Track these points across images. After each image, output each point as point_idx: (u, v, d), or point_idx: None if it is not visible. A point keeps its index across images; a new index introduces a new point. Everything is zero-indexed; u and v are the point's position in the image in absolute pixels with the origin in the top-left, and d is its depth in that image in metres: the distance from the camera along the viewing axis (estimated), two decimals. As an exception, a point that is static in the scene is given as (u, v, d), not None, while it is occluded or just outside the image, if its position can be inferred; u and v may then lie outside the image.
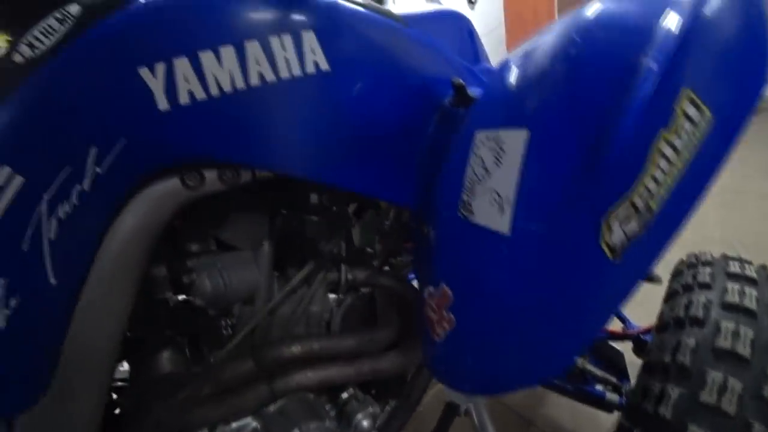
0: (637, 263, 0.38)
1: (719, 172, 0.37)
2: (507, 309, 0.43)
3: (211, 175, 0.48)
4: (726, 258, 0.72)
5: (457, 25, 0.77)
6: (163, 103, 0.43)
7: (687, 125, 0.35)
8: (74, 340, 0.47)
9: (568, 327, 0.42)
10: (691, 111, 0.35)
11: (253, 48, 0.46)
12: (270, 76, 0.46)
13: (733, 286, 0.61)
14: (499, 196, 0.41)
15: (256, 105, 0.47)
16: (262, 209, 0.61)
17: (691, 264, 0.74)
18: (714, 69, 0.36)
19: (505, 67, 0.50)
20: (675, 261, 0.81)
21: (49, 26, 0.45)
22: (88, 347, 0.48)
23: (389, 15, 0.59)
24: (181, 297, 0.59)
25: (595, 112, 0.35)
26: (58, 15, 0.45)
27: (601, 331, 0.93)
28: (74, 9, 0.45)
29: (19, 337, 0.45)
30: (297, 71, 0.48)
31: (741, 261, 0.69)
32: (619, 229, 0.35)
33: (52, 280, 0.44)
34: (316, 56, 0.48)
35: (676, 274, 0.75)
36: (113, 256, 0.47)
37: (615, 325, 1.00)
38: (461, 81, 0.57)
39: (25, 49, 0.45)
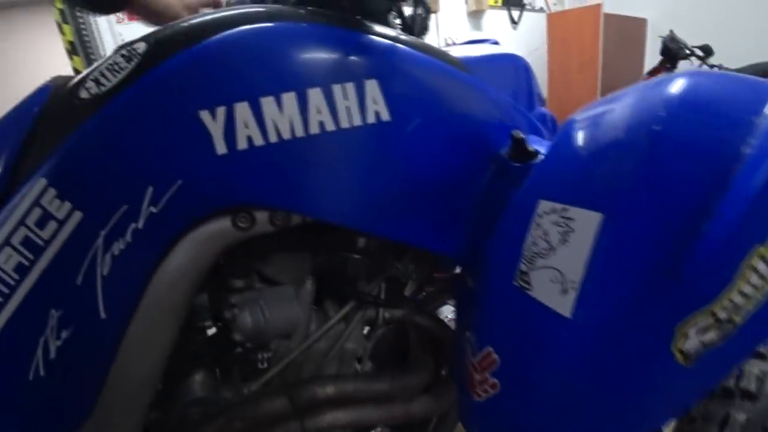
0: (711, 370, 0.35)
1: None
2: (559, 391, 0.41)
3: (262, 217, 0.48)
4: None
5: (514, 68, 0.74)
6: (221, 147, 0.43)
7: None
8: (119, 369, 0.47)
9: (624, 421, 0.39)
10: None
11: (315, 96, 0.45)
12: (330, 126, 0.46)
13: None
14: (562, 275, 0.39)
15: (313, 154, 0.46)
16: (305, 247, 0.60)
17: None
18: None
19: (571, 128, 0.48)
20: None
21: (116, 63, 0.46)
22: (131, 377, 0.49)
23: (449, 60, 0.58)
24: (219, 327, 0.60)
25: (683, 207, 0.33)
26: (125, 52, 0.46)
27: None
28: (141, 47, 0.46)
29: (68, 367, 0.45)
30: (357, 121, 0.47)
31: None
32: (695, 338, 0.32)
33: (103, 315, 0.45)
34: (377, 106, 0.47)
35: None
36: (161, 292, 0.47)
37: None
38: (521, 134, 0.55)
39: (91, 84, 0.45)
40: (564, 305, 0.39)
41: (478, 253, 0.56)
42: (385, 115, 0.47)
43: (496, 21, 4.70)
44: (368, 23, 0.54)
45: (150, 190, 0.43)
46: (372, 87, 0.47)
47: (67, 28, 2.87)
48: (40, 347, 0.44)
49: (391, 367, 0.80)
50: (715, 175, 0.32)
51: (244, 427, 0.57)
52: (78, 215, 0.43)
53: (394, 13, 0.65)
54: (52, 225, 0.43)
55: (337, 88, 0.46)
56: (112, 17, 2.93)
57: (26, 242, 0.42)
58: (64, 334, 0.44)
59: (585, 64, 4.62)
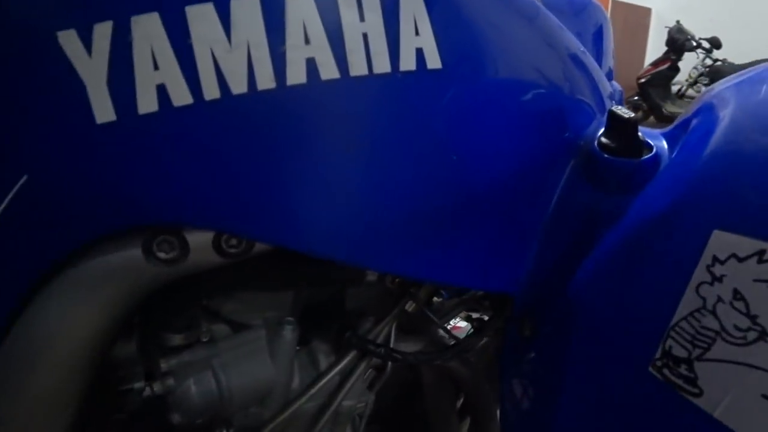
0: None
1: None
2: None
3: (199, 242, 0.27)
4: None
5: (594, 21, 0.53)
6: (103, 110, 0.21)
7: None
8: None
9: None
10: None
11: (302, 9, 0.23)
12: (329, 70, 0.24)
13: None
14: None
15: (290, 126, 0.24)
16: (283, 274, 0.39)
17: None
18: None
19: (734, 116, 0.28)
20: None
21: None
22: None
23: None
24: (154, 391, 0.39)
25: None
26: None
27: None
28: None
29: None
30: (383, 64, 0.25)
31: None
32: None
33: None
34: (421, 38, 0.26)
35: None
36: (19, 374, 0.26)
37: None
38: (627, 112, 0.35)
39: None
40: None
41: (547, 291, 0.36)
42: (434, 59, 0.26)
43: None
44: None
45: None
46: (416, 4, 0.25)
47: None
48: None
49: (398, 418, 0.61)
50: None
51: None
52: None
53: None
54: None
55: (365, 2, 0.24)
56: None
57: None
58: None
59: (591, 51, 4.44)
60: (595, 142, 0.37)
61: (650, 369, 0.25)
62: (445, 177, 0.29)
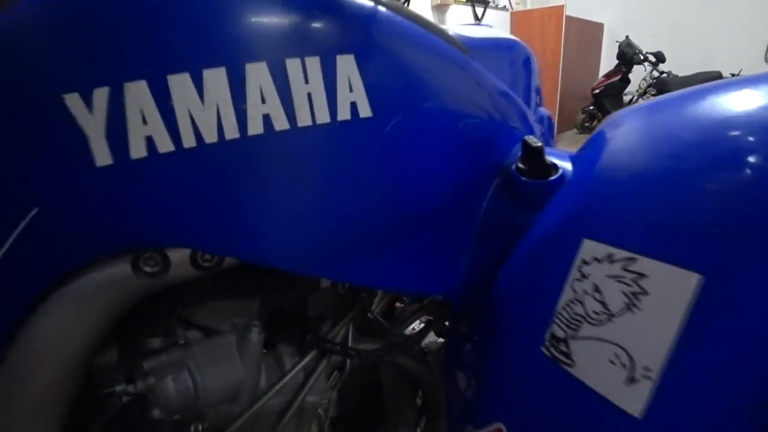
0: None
1: None
2: None
3: (178, 258, 0.32)
4: None
5: (516, 57, 0.61)
6: (102, 155, 0.26)
7: None
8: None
9: None
10: None
11: (258, 74, 0.29)
12: (280, 122, 0.30)
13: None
14: (630, 358, 0.27)
15: (253, 165, 0.30)
16: (250, 285, 0.45)
17: None
18: None
19: (624, 137, 0.35)
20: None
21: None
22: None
23: (448, 38, 0.44)
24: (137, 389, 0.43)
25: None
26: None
27: None
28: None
29: None
30: (323, 116, 0.32)
31: None
32: None
33: None
34: (354, 94, 0.32)
35: None
36: (26, 367, 0.30)
37: None
38: (537, 140, 0.42)
39: None
40: (630, 400, 0.26)
41: (477, 293, 0.43)
42: (365, 109, 0.33)
43: (460, 16, 4.62)
44: None
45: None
46: (346, 64, 0.32)
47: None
48: None
49: (361, 417, 0.66)
50: None
51: None
52: None
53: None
54: None
55: (292, 64, 0.30)
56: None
57: None
58: None
59: (547, 65, 4.65)
60: (513, 166, 0.44)
61: (542, 348, 0.33)
62: (383, 201, 0.35)
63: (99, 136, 0.26)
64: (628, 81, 5.24)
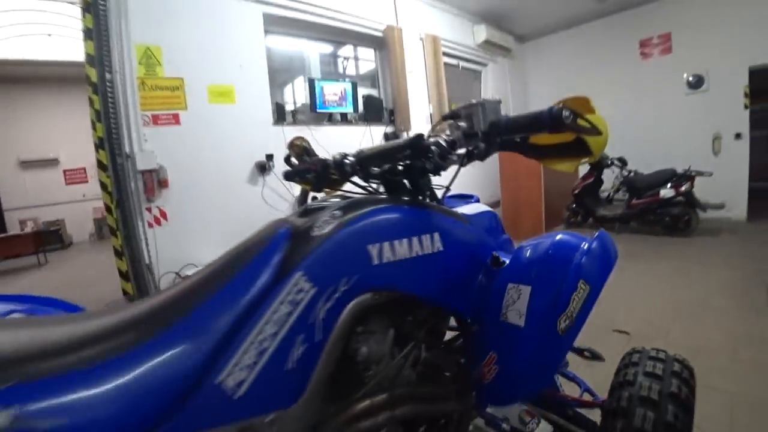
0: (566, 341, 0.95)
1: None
2: (525, 356, 0.99)
3: (385, 293, 1.05)
4: (654, 350, 1.30)
5: (490, 217, 1.43)
6: (375, 260, 1.02)
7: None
8: (320, 364, 1.00)
9: (551, 359, 0.97)
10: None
11: (413, 239, 1.06)
12: (420, 251, 1.06)
13: (651, 364, 1.19)
14: (519, 312, 0.99)
15: (414, 264, 1.06)
16: (391, 312, 1.17)
17: (632, 353, 1.33)
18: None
19: (520, 250, 1.12)
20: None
21: (327, 221, 1.06)
22: (325, 368, 1.01)
23: (461, 218, 1.22)
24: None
25: (557, 283, 0.95)
26: (328, 217, 1.06)
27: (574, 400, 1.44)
28: (338, 214, 1.07)
29: (301, 362, 0.98)
30: (430, 249, 1.08)
31: (658, 351, 1.28)
32: (563, 323, 0.93)
33: (319, 336, 0.99)
34: (438, 243, 1.09)
35: (624, 357, 1.33)
36: (340, 328, 1.02)
37: (586, 396, 1.50)
38: (497, 253, 1.19)
39: (316, 230, 1.04)
40: (521, 322, 0.98)
41: (478, 310, 1.16)
42: (439, 246, 1.09)
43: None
44: (428, 203, 1.18)
45: (344, 279, 1.01)
46: (436, 235, 1.09)
47: (99, 126, 3.40)
48: (292, 353, 0.97)
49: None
50: (564, 271, 0.96)
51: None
52: (314, 290, 1.00)
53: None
54: (302, 294, 0.99)
55: (424, 237, 1.07)
56: (139, 119, 3.51)
57: (291, 302, 0.98)
58: (301, 348, 0.98)
59: (530, 173, 5.64)
60: (488, 262, 1.20)
61: (500, 318, 1.05)
62: (453, 275, 1.12)
63: (374, 255, 1.03)
64: (602, 181, 6.09)
